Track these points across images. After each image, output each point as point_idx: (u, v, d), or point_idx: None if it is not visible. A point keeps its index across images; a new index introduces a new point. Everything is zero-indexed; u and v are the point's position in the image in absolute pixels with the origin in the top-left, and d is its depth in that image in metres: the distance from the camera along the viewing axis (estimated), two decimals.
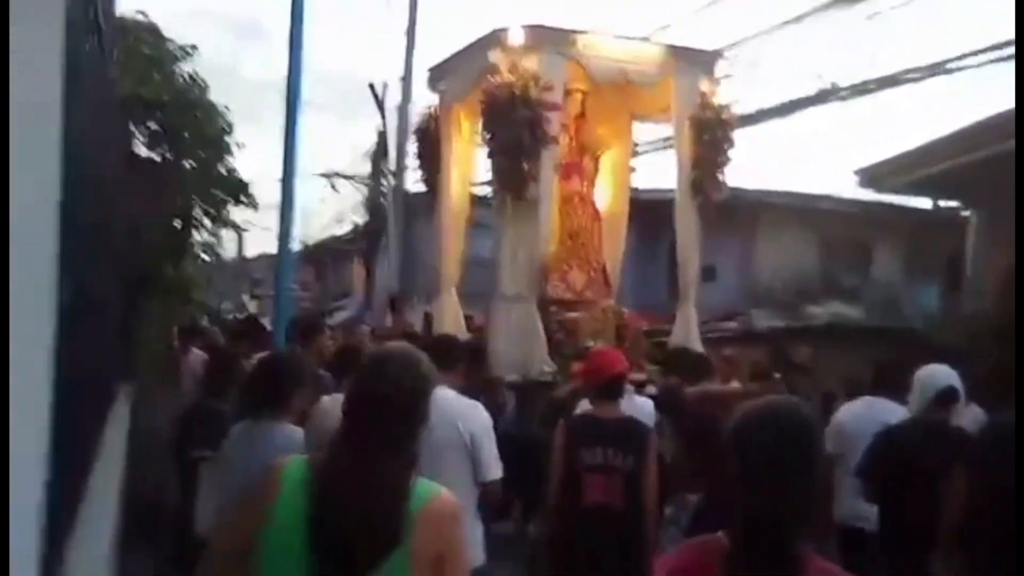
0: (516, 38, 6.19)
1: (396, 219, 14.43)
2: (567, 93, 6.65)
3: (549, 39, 6.33)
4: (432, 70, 7.67)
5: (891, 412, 4.23)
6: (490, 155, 6.28)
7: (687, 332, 6.84)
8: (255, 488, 1.86)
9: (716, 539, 1.67)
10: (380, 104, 9.56)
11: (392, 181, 15.15)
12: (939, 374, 3.97)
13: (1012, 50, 8.12)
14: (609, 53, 6.54)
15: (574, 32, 6.47)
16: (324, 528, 1.71)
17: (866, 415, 4.40)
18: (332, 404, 2.77)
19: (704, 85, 6.78)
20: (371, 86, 9.54)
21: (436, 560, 1.74)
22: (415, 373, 1.86)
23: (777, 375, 6.53)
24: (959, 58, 8.72)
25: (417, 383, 1.85)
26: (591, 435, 3.98)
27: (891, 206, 14.43)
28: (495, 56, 6.19)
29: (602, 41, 6.58)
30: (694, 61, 6.85)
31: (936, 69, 8.97)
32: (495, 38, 6.32)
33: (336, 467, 1.75)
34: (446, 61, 7.31)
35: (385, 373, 1.82)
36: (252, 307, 23.14)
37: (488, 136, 6.22)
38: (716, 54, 7.33)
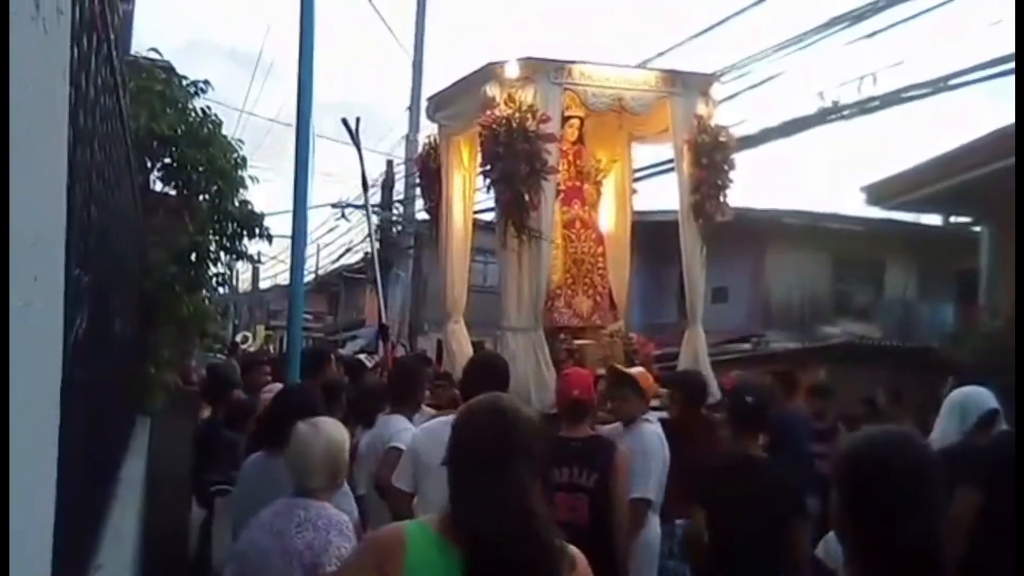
0: (512, 71, 6.23)
1: (392, 248, 14.52)
2: (564, 120, 6.68)
3: (544, 70, 6.35)
4: (430, 99, 7.71)
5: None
6: (489, 187, 6.29)
7: (695, 354, 6.82)
8: (371, 555, 1.79)
9: None
10: (355, 139, 9.49)
11: (393, 209, 15.28)
12: (981, 396, 3.87)
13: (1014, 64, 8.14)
14: (604, 81, 6.57)
15: (569, 62, 6.50)
16: None
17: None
18: (311, 432, 2.80)
19: (701, 108, 6.78)
20: (344, 121, 9.50)
21: None
22: (527, 415, 1.83)
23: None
24: (961, 73, 8.73)
25: (536, 424, 1.83)
26: (557, 455, 4.02)
27: (901, 223, 14.37)
28: (492, 89, 6.23)
29: (597, 69, 6.61)
30: (690, 84, 6.84)
31: (938, 85, 8.98)
32: (491, 71, 6.35)
33: (487, 518, 1.68)
34: (444, 91, 7.35)
35: (509, 420, 1.78)
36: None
37: (487, 169, 6.24)
38: (712, 76, 7.33)
